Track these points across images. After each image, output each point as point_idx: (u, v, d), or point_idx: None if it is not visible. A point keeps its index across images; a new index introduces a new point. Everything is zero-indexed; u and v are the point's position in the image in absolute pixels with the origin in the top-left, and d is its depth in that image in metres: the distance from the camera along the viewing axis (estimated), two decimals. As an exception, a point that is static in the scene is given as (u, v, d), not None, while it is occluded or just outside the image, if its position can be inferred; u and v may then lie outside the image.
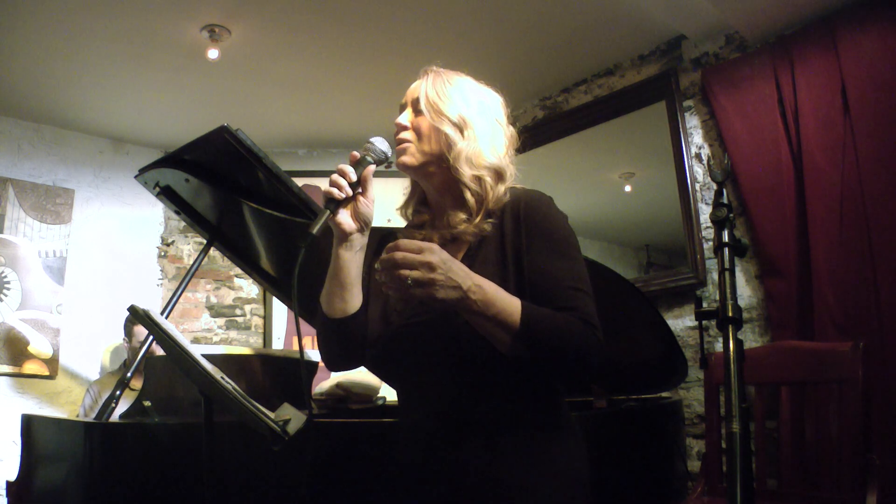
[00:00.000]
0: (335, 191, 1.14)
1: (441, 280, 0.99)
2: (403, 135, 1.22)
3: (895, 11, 2.57)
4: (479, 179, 1.19)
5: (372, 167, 1.19)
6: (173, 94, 3.74)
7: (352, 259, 1.19)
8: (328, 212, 1.15)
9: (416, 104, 1.24)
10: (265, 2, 2.94)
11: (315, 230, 1.11)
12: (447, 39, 3.27)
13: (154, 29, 3.08)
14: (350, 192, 1.16)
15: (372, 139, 1.21)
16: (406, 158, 1.21)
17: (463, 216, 1.19)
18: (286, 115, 4.06)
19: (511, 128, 1.31)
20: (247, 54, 3.32)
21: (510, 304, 1.04)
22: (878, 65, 2.57)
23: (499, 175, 1.21)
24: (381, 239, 1.30)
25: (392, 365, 1.24)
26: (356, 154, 1.20)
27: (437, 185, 1.24)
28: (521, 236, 1.15)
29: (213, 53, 3.18)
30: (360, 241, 1.20)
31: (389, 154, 1.23)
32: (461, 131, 1.20)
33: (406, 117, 1.24)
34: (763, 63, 2.89)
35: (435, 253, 1.00)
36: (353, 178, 1.16)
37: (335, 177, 1.15)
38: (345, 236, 1.18)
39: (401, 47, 3.31)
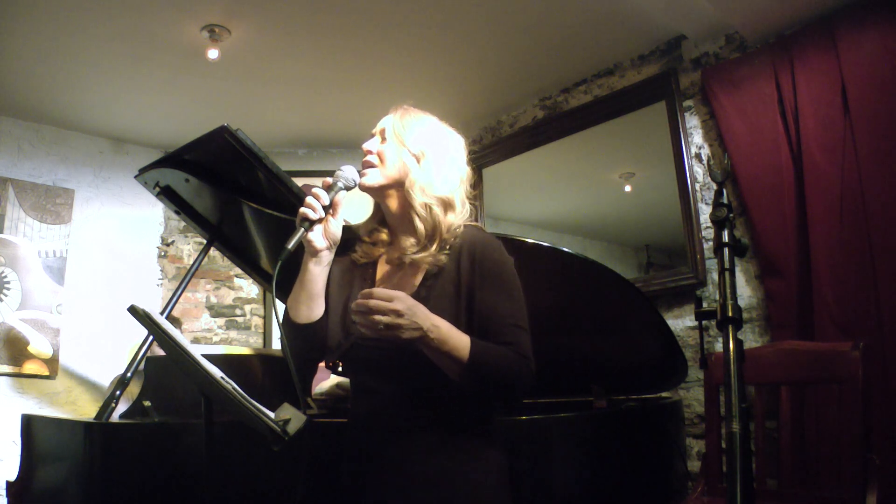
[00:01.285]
0: (309, 212, 1.30)
1: (406, 324, 1.17)
2: (369, 158, 1.39)
3: (895, 11, 2.57)
4: (428, 207, 1.34)
5: (343, 193, 1.34)
6: (173, 94, 3.74)
7: (320, 273, 1.35)
8: (303, 230, 1.30)
9: (383, 133, 1.41)
10: (265, 2, 2.94)
11: (290, 246, 1.27)
12: (447, 40, 3.27)
13: (154, 29, 3.08)
14: (322, 214, 1.31)
15: (342, 167, 1.36)
16: (366, 180, 1.37)
17: (412, 241, 1.36)
18: (286, 115, 4.06)
19: (467, 167, 1.45)
20: (247, 54, 3.32)
21: (461, 341, 1.22)
22: (878, 65, 2.57)
23: (447, 206, 1.37)
24: (344, 242, 1.42)
25: (349, 368, 1.43)
26: (328, 180, 1.35)
27: (393, 207, 1.40)
28: (475, 276, 1.32)
29: (213, 53, 3.18)
30: (327, 258, 1.35)
31: (357, 180, 1.37)
32: (417, 161, 1.36)
33: (373, 144, 1.40)
34: (763, 63, 2.89)
35: (402, 301, 1.18)
36: (326, 201, 1.32)
37: (309, 199, 1.31)
38: (315, 252, 1.33)
39: (401, 48, 3.31)
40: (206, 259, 2.38)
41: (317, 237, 1.32)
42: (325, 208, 1.32)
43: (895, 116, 2.50)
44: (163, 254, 4.43)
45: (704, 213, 3.07)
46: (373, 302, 1.16)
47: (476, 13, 3.06)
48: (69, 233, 4.01)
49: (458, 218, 1.38)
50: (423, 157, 1.36)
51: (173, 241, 4.45)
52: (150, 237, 4.41)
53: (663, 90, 3.27)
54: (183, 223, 4.20)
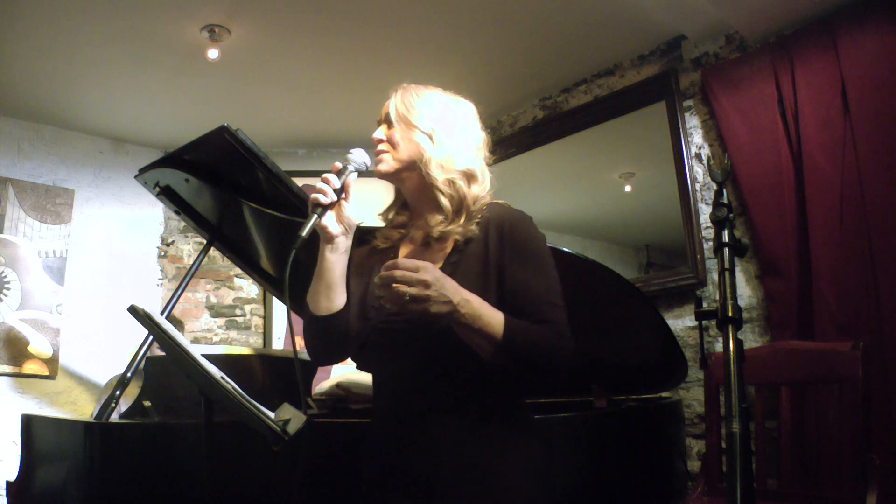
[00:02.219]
0: (321, 197, 1.26)
1: (435, 296, 1.10)
2: (380, 147, 1.34)
3: (895, 11, 2.57)
4: (451, 183, 1.30)
5: (353, 175, 1.32)
6: (173, 94, 3.74)
7: (337, 260, 1.30)
8: (315, 216, 1.26)
9: (387, 118, 1.36)
10: (265, 2, 2.94)
11: (304, 233, 1.23)
12: (447, 39, 3.27)
13: (154, 29, 3.08)
14: (334, 198, 1.28)
15: (352, 151, 1.34)
16: (382, 167, 1.34)
17: (440, 218, 1.30)
18: (286, 115, 4.06)
19: (482, 132, 1.41)
20: (247, 54, 3.32)
21: (494, 318, 1.16)
22: (878, 65, 2.57)
23: (470, 177, 1.32)
24: (360, 236, 1.39)
25: (370, 357, 1.35)
26: (338, 165, 1.32)
27: (412, 188, 1.35)
28: (505, 252, 1.26)
29: (213, 53, 3.18)
30: (344, 244, 1.31)
31: (368, 163, 1.35)
32: (430, 139, 1.31)
33: (380, 131, 1.36)
34: (763, 63, 2.89)
35: (430, 272, 1.11)
36: (337, 185, 1.28)
37: (320, 184, 1.28)
38: (330, 239, 1.29)
39: (401, 47, 3.31)
40: (206, 259, 2.38)
41: (330, 223, 1.28)
42: (337, 192, 1.28)
43: (895, 116, 2.50)
44: (163, 254, 4.43)
45: (704, 213, 3.07)
46: (398, 272, 1.10)
47: (476, 14, 3.06)
48: (69, 233, 4.01)
49: (481, 188, 1.33)
50: (434, 133, 1.31)
51: (173, 241, 4.45)
52: (150, 237, 4.41)
53: (663, 90, 3.27)
54: (183, 223, 4.20)
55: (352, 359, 1.41)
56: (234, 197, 2.04)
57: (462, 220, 1.29)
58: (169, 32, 3.11)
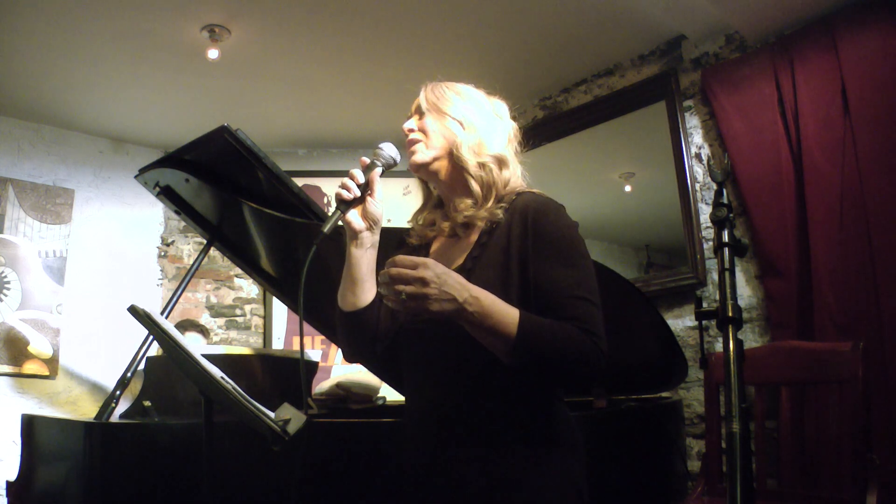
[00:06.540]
0: (344, 192, 1.24)
1: (434, 294, 1.05)
2: (412, 136, 1.32)
3: (895, 11, 2.57)
4: (482, 166, 1.27)
5: (378, 170, 1.28)
6: (173, 94, 3.74)
7: (362, 256, 1.28)
8: (339, 212, 1.25)
9: (419, 109, 1.34)
10: (265, 2, 2.94)
11: (326, 229, 1.22)
12: (447, 40, 3.27)
13: (154, 29, 3.08)
14: (358, 193, 1.25)
15: (381, 145, 1.30)
16: (416, 157, 1.30)
17: (470, 202, 1.27)
18: (286, 115, 4.06)
19: (514, 123, 1.39)
20: (247, 54, 3.32)
21: (507, 315, 1.09)
22: (878, 65, 2.57)
23: (501, 162, 1.29)
24: (400, 236, 1.39)
25: (397, 362, 1.31)
26: (365, 160, 1.28)
27: (445, 178, 1.31)
28: (528, 243, 1.19)
29: (213, 53, 3.18)
30: (370, 239, 1.28)
31: (398, 158, 1.31)
32: (462, 126, 1.29)
33: (412, 122, 1.34)
34: (763, 63, 2.89)
35: (429, 268, 1.06)
36: (361, 180, 1.25)
37: (345, 180, 1.25)
38: (355, 234, 1.27)
39: (401, 47, 3.31)
40: (206, 259, 2.38)
41: (354, 218, 1.26)
42: (362, 188, 1.26)
43: (895, 116, 2.50)
44: (163, 254, 4.43)
45: (704, 213, 3.07)
46: (394, 270, 1.05)
47: (476, 14, 3.06)
48: (69, 233, 4.01)
49: (512, 174, 1.30)
50: (465, 120, 1.29)
51: (173, 241, 4.45)
52: (150, 237, 4.41)
53: (663, 90, 3.27)
54: (183, 223, 4.20)
55: (374, 365, 1.38)
56: (234, 197, 2.04)
57: (489, 205, 1.25)
58: (169, 32, 3.11)
